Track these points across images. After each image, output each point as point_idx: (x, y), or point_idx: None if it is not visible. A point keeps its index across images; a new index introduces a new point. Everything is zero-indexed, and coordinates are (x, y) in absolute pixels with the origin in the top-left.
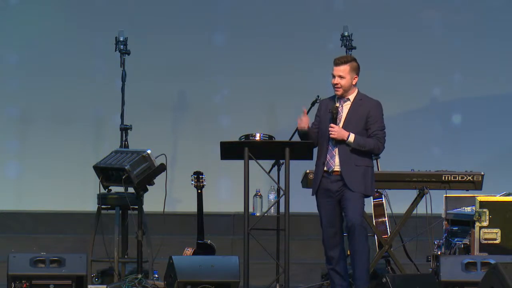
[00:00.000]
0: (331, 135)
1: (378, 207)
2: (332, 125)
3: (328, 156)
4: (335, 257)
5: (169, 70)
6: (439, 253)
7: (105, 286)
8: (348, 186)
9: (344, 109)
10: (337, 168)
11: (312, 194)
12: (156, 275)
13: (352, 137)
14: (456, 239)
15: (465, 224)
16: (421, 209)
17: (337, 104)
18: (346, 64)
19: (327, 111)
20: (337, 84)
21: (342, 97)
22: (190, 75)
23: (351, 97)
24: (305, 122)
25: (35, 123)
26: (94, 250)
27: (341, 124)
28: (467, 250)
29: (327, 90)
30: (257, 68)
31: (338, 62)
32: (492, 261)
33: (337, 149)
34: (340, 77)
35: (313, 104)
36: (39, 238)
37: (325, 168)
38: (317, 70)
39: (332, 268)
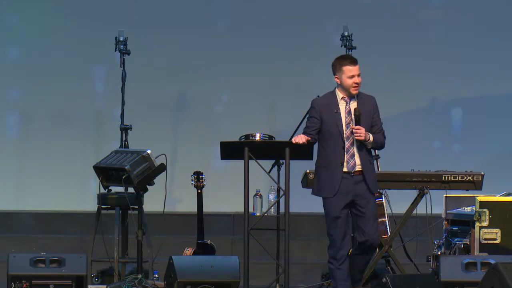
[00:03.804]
0: (357, 137)
1: (378, 207)
2: (358, 126)
3: (347, 156)
4: (344, 256)
5: (169, 70)
6: (439, 253)
7: (105, 286)
8: (370, 188)
9: (352, 108)
10: (358, 168)
11: (329, 196)
12: (156, 275)
13: (371, 137)
14: (456, 239)
15: (465, 224)
16: (421, 209)
17: (344, 104)
18: (358, 63)
19: (330, 111)
20: (358, 83)
21: (347, 96)
22: (190, 75)
23: (353, 95)
24: (303, 137)
25: (35, 123)
26: (94, 250)
27: (353, 124)
28: (467, 250)
29: (327, 90)
30: (257, 68)
31: (354, 61)
32: (492, 261)
33: (355, 148)
34: (359, 75)
35: None
36: (39, 238)
37: (345, 169)
38: (317, 70)
39: (338, 267)
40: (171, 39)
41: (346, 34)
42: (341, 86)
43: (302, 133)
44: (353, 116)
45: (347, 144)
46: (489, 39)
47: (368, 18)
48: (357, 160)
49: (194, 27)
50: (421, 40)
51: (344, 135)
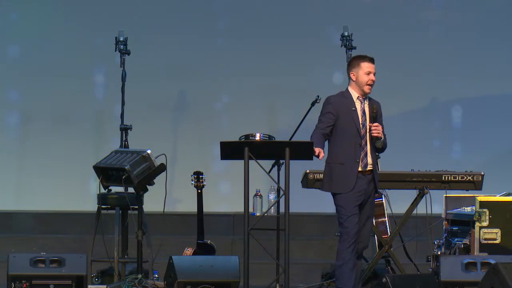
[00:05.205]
0: (375, 134)
1: (378, 207)
2: (376, 124)
3: (362, 154)
4: (355, 253)
5: (169, 70)
6: (439, 253)
7: (105, 286)
8: (376, 188)
9: (366, 108)
10: (370, 167)
11: (345, 191)
12: (156, 275)
13: (383, 136)
14: (456, 239)
15: (465, 224)
16: (421, 209)
17: (359, 103)
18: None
19: (346, 109)
20: (374, 81)
21: (361, 96)
22: (190, 75)
23: (366, 96)
24: (321, 153)
25: (35, 123)
26: (94, 250)
27: (371, 121)
28: (467, 250)
29: (327, 90)
30: (257, 68)
31: (372, 59)
32: (492, 261)
33: (369, 147)
34: (374, 74)
35: (313, 104)
36: (39, 238)
37: (359, 169)
38: (317, 70)
39: (348, 266)
40: (171, 39)
41: (346, 34)
42: (356, 83)
43: (316, 129)
44: (369, 113)
45: (363, 141)
46: (489, 39)
47: (368, 18)
48: (369, 159)
49: (194, 27)
50: (421, 40)
51: (361, 134)
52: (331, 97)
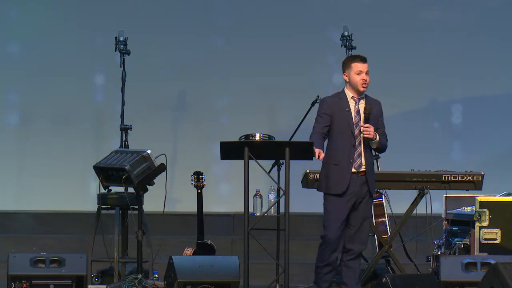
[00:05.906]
0: (366, 135)
1: (378, 207)
2: (368, 125)
3: (355, 155)
4: (335, 262)
5: (169, 70)
6: (439, 253)
7: (105, 286)
8: (370, 190)
9: (361, 108)
10: (363, 168)
11: (339, 192)
12: (156, 275)
13: (377, 137)
14: (456, 239)
15: (465, 224)
16: (421, 209)
17: (353, 103)
18: (367, 62)
19: (341, 109)
20: (366, 80)
21: (356, 96)
22: (190, 75)
23: (361, 96)
24: (321, 153)
25: (35, 123)
26: (94, 250)
27: (363, 122)
28: (467, 250)
29: (327, 90)
30: (257, 68)
31: (363, 59)
32: (492, 261)
33: (362, 148)
34: (367, 73)
35: (313, 104)
36: (39, 238)
37: (353, 170)
38: (317, 70)
39: (325, 273)
40: (171, 39)
41: (346, 34)
42: (350, 84)
43: (314, 131)
44: (362, 114)
45: (356, 142)
46: (489, 39)
47: (368, 18)
48: (363, 160)
49: (194, 27)
50: (421, 40)
51: (354, 134)
52: (326, 98)
